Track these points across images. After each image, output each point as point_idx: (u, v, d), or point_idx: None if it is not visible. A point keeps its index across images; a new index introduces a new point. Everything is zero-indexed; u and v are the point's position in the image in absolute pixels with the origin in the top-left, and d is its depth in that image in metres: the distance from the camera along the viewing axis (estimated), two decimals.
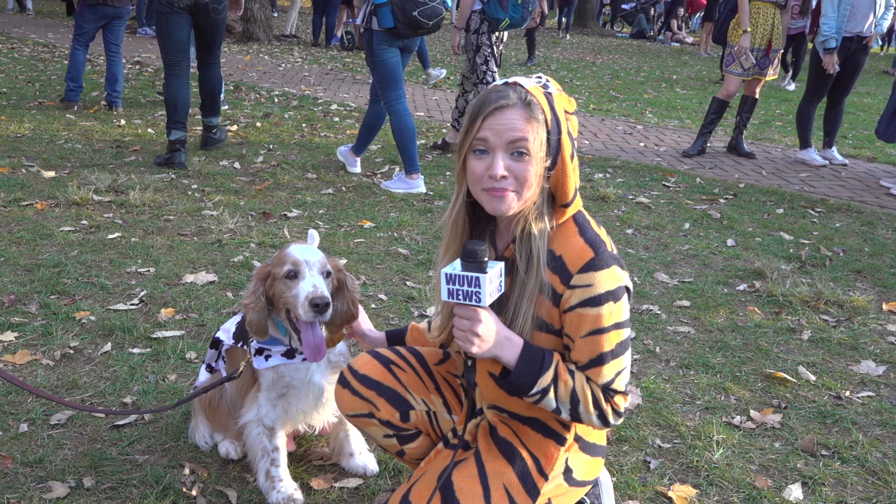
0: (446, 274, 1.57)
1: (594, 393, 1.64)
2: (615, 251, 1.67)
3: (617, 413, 1.66)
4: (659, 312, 3.57)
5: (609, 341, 1.61)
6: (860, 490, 2.38)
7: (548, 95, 1.62)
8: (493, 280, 1.57)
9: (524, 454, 1.73)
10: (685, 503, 2.27)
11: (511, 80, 1.66)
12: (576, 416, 1.65)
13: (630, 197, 5.46)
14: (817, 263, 4.34)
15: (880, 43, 14.50)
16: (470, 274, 1.54)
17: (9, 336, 2.99)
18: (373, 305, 3.45)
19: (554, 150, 1.61)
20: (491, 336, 1.59)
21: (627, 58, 16.29)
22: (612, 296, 1.60)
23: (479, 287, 1.54)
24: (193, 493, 2.18)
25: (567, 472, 1.75)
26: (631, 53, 17.24)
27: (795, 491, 2.34)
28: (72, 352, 2.92)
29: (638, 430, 2.62)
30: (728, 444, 2.57)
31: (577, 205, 1.69)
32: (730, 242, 4.61)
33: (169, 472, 2.26)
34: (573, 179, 1.64)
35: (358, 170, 5.70)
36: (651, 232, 4.73)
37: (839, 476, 2.44)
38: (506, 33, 6.23)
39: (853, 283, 4.05)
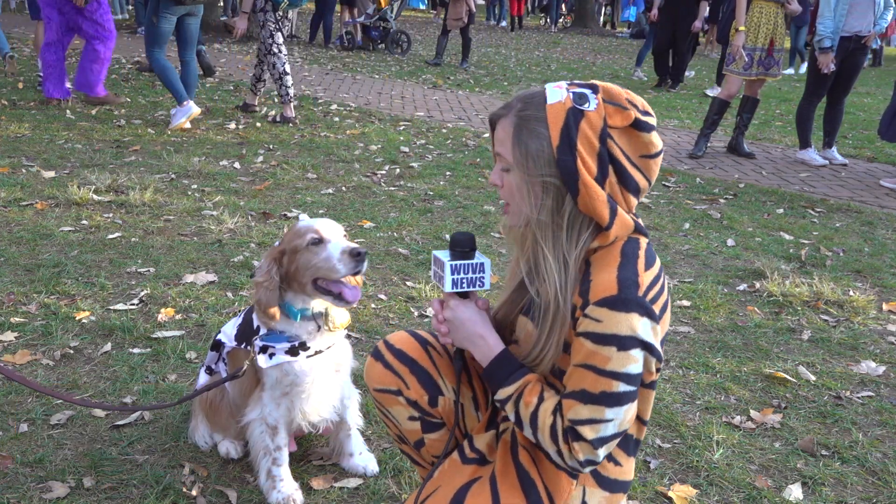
0: (433, 255, 1.71)
1: (555, 426, 1.54)
2: (657, 299, 1.52)
3: (577, 460, 1.52)
4: None
5: (596, 384, 1.50)
6: (860, 490, 2.38)
7: (574, 112, 1.52)
8: (462, 271, 1.64)
9: (539, 487, 1.66)
10: (685, 503, 2.27)
11: (553, 86, 1.57)
12: (537, 442, 1.59)
13: None
14: (817, 263, 4.34)
15: (879, 43, 14.49)
16: (441, 258, 1.66)
17: (9, 336, 2.99)
18: (373, 305, 3.45)
19: (567, 171, 1.52)
20: (458, 326, 1.66)
21: (627, 58, 16.29)
22: (619, 342, 1.48)
23: (443, 272, 1.65)
24: (193, 493, 2.18)
25: None
26: (631, 53, 17.23)
27: (795, 491, 2.34)
28: (72, 352, 2.92)
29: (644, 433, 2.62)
30: (728, 444, 2.57)
31: (624, 230, 1.56)
32: (730, 242, 4.61)
33: (169, 472, 2.26)
34: (601, 201, 1.52)
35: (195, 108, 6.72)
36: (651, 232, 4.74)
37: (839, 476, 2.44)
38: (293, 13, 7.25)
39: (853, 283, 4.05)
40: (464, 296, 1.69)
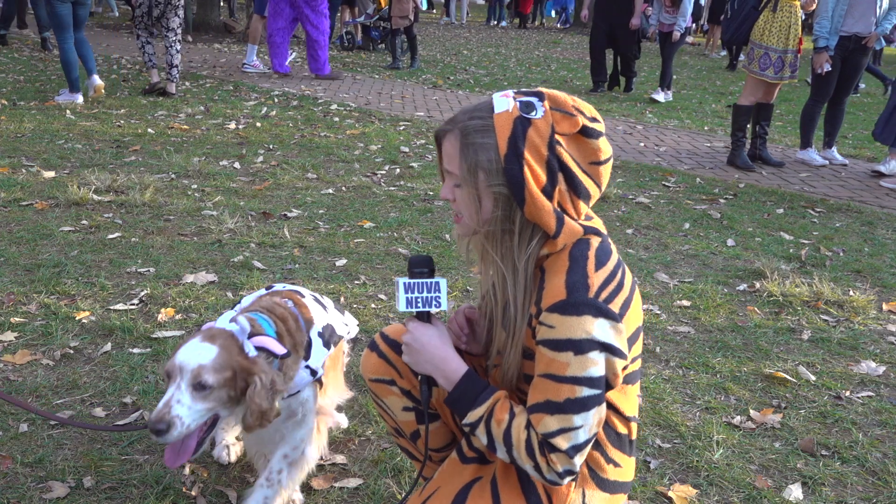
0: (395, 282, 1.73)
1: (530, 440, 1.52)
2: (614, 297, 1.52)
3: (556, 472, 1.51)
4: (659, 312, 3.57)
5: (559, 392, 1.49)
6: (860, 490, 2.38)
7: (521, 121, 1.51)
8: (416, 289, 1.64)
9: (540, 490, 1.66)
10: (685, 503, 2.27)
11: (500, 95, 1.57)
12: (513, 461, 1.56)
13: (630, 197, 5.46)
14: (817, 263, 4.34)
15: (885, 44, 14.44)
16: (397, 280, 1.68)
17: (9, 336, 2.99)
18: (373, 305, 3.46)
19: (513, 179, 1.51)
20: (418, 349, 1.64)
21: None
22: (575, 346, 1.47)
23: (398, 292, 1.66)
24: (193, 493, 2.18)
25: None
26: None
27: (795, 491, 2.34)
28: (72, 352, 2.92)
29: (638, 430, 2.62)
30: (728, 444, 2.57)
31: (572, 238, 1.55)
32: (730, 242, 4.61)
33: (169, 472, 2.26)
34: (547, 212, 1.52)
35: (80, 100, 7.46)
36: (651, 232, 4.74)
37: (839, 476, 2.44)
38: None
39: (853, 283, 4.05)
40: (424, 319, 1.67)
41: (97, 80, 7.75)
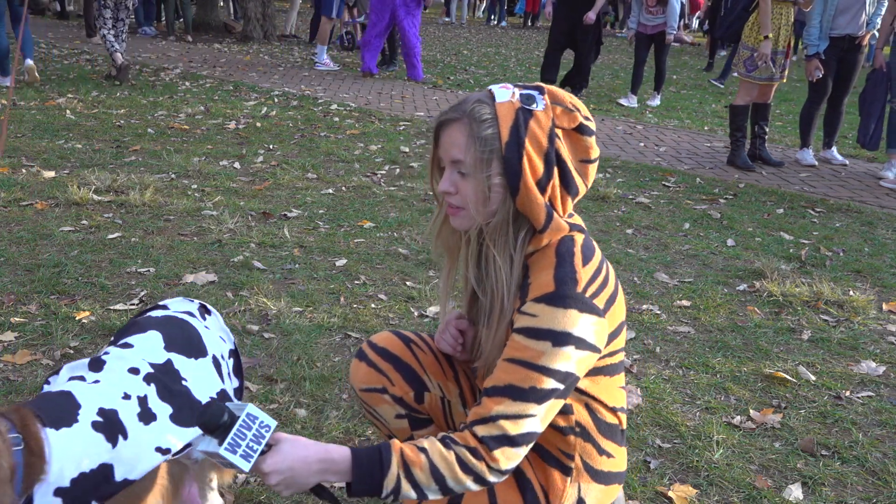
0: (202, 453, 1.43)
1: (459, 455, 1.45)
2: (600, 293, 1.53)
3: (496, 471, 1.46)
4: (659, 312, 3.57)
5: (526, 379, 1.46)
6: (860, 490, 2.38)
7: (523, 112, 1.52)
8: (239, 439, 1.38)
9: (535, 486, 1.67)
10: (685, 503, 2.27)
11: (499, 87, 1.59)
12: (450, 491, 1.47)
13: (630, 197, 5.46)
14: (817, 263, 4.34)
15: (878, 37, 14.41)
16: (211, 450, 1.38)
17: (9, 336, 2.99)
18: (373, 305, 3.46)
19: (511, 168, 1.51)
20: (292, 473, 1.43)
21: (627, 58, 16.29)
22: (554, 337, 1.46)
23: (228, 458, 1.37)
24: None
25: (580, 503, 1.69)
26: (631, 53, 17.23)
27: (795, 491, 2.34)
28: (72, 352, 2.92)
29: (638, 430, 2.62)
30: (728, 444, 2.57)
31: (557, 235, 1.57)
32: (730, 242, 4.61)
33: None
34: (539, 205, 1.53)
35: (9, 82, 7.86)
36: (651, 232, 4.74)
37: (839, 476, 2.44)
38: None
39: (853, 283, 4.05)
40: (266, 450, 1.43)
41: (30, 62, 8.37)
